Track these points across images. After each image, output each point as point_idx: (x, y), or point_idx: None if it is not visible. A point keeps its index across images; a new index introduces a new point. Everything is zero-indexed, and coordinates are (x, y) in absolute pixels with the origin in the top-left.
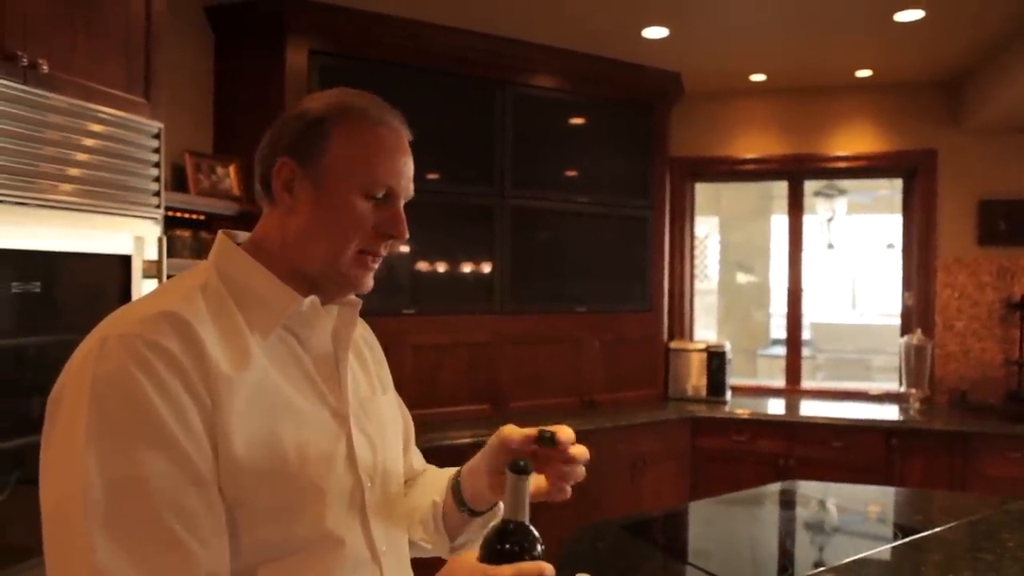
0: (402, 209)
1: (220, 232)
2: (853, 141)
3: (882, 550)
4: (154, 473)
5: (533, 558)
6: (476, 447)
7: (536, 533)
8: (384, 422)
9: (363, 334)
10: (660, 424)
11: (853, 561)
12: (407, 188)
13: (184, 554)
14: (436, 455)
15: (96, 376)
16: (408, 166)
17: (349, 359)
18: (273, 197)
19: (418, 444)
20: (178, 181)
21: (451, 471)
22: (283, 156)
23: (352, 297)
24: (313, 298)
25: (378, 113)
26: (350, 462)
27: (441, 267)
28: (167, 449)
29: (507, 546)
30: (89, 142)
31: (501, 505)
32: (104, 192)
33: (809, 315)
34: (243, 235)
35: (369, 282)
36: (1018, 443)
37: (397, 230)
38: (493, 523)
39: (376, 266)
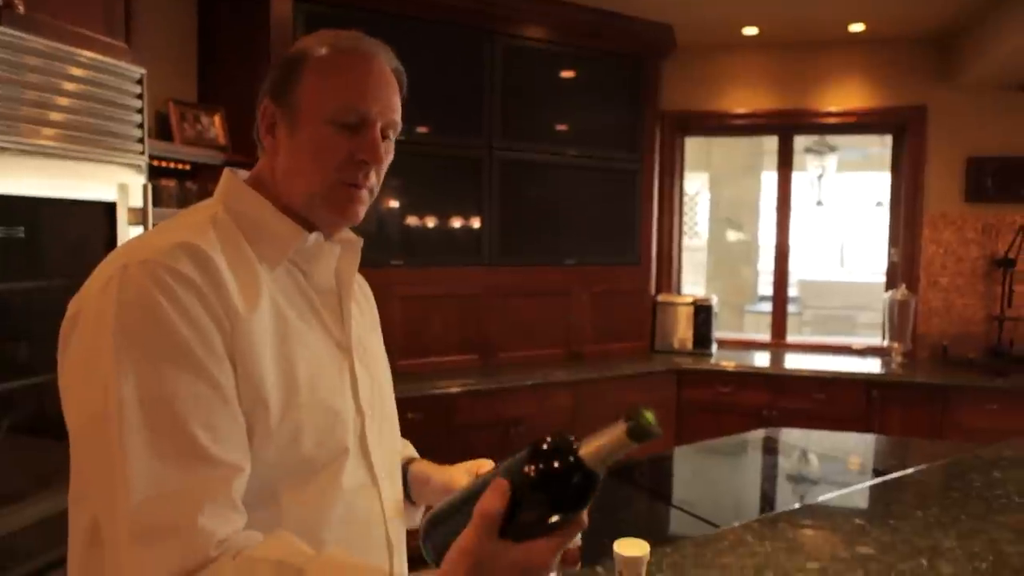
0: (379, 136)
1: (226, 169)
2: (844, 96)
3: (857, 489)
4: (182, 391)
5: (575, 522)
6: (465, 397)
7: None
8: (379, 359)
9: (360, 284)
10: (646, 376)
11: (829, 499)
12: (385, 115)
13: (214, 466)
14: (424, 404)
15: (121, 300)
16: (384, 92)
17: (352, 295)
18: (262, 141)
19: (407, 394)
20: (163, 130)
21: (404, 454)
22: (265, 99)
23: (353, 235)
24: (318, 234)
25: (350, 43)
26: (352, 392)
27: (430, 220)
28: (193, 369)
29: (567, 498)
30: (70, 86)
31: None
32: (87, 138)
33: (796, 272)
34: (244, 174)
35: (357, 212)
36: (995, 395)
37: (369, 155)
38: (554, 455)
39: (363, 196)
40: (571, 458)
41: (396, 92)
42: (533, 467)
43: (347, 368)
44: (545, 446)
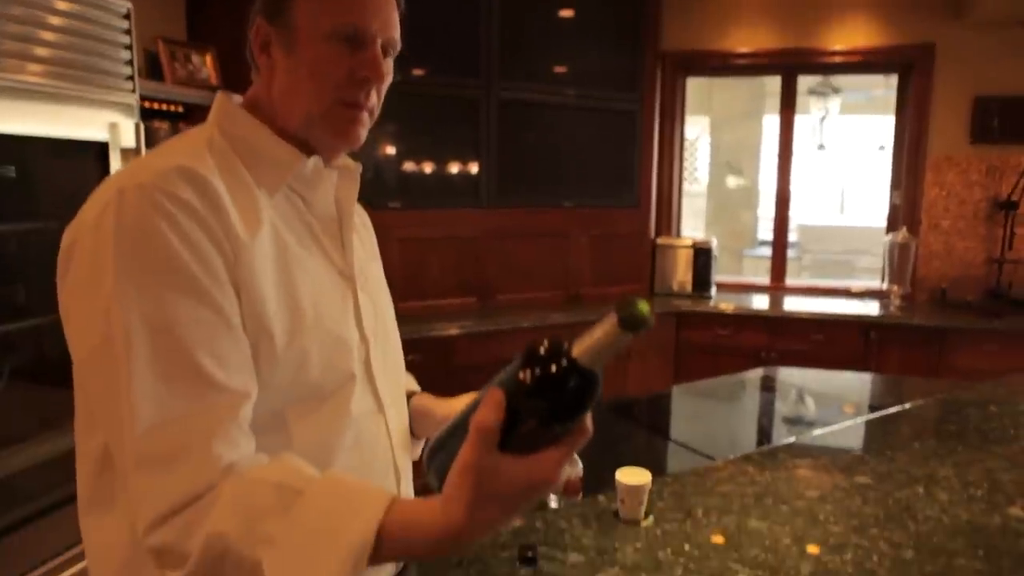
0: (380, 53)
1: (219, 93)
2: (849, 35)
3: (854, 424)
4: (185, 316)
5: (578, 429)
6: (464, 339)
7: (600, 385)
8: (381, 288)
9: (359, 214)
10: None
11: (826, 433)
12: (385, 31)
13: (220, 392)
14: (424, 346)
15: (119, 225)
16: (384, 7)
17: (352, 223)
18: (256, 63)
19: (406, 336)
20: (153, 70)
21: (407, 387)
22: (258, 19)
23: (351, 162)
24: (316, 158)
25: None
26: (356, 319)
27: (428, 162)
28: (196, 294)
29: (565, 402)
30: (55, 20)
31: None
32: (75, 75)
33: (796, 217)
34: (238, 98)
35: (359, 134)
36: (993, 336)
37: (371, 71)
38: (547, 357)
39: (364, 118)
40: (564, 360)
41: (395, 9)
42: (527, 373)
43: (350, 295)
44: (538, 351)
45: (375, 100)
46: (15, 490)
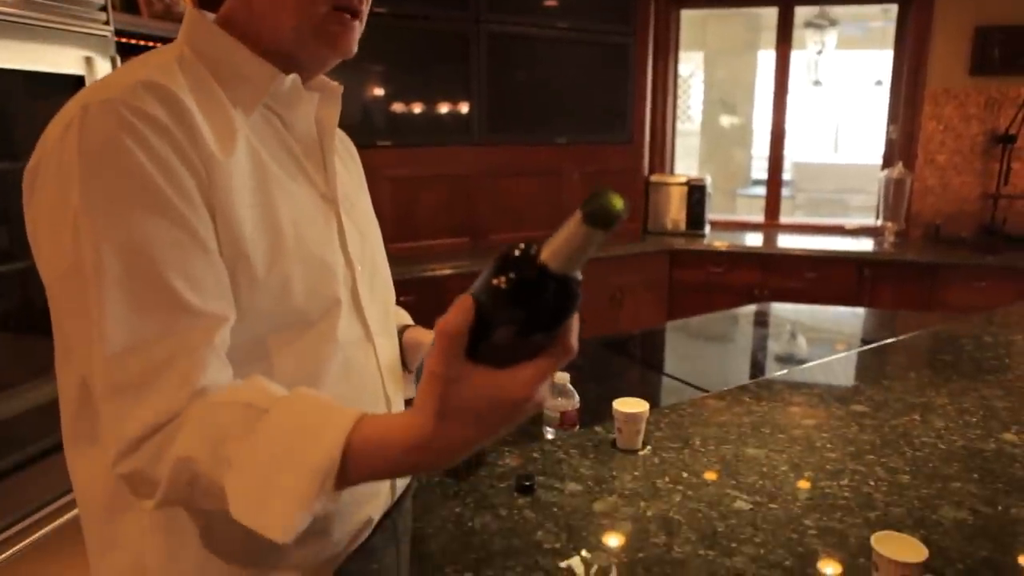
0: None
1: (189, 8)
2: None
3: (848, 355)
4: (157, 238)
5: (559, 344)
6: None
7: (578, 291)
8: (368, 215)
9: (342, 138)
10: (639, 256)
11: (820, 364)
12: None
13: (194, 316)
14: (416, 287)
15: (84, 143)
16: None
17: (335, 146)
18: None
19: (398, 277)
20: (128, 4)
21: (399, 321)
22: None
23: (332, 83)
24: (295, 76)
25: None
26: (341, 245)
27: (418, 100)
28: (167, 215)
29: (534, 309)
30: None
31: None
32: (46, 4)
33: (791, 155)
34: (211, 16)
35: (352, 43)
36: (985, 272)
37: None
38: (521, 267)
39: (356, 26)
40: (530, 264)
41: None
42: (495, 279)
43: (333, 219)
44: (507, 255)
45: (366, 7)
46: (5, 438)
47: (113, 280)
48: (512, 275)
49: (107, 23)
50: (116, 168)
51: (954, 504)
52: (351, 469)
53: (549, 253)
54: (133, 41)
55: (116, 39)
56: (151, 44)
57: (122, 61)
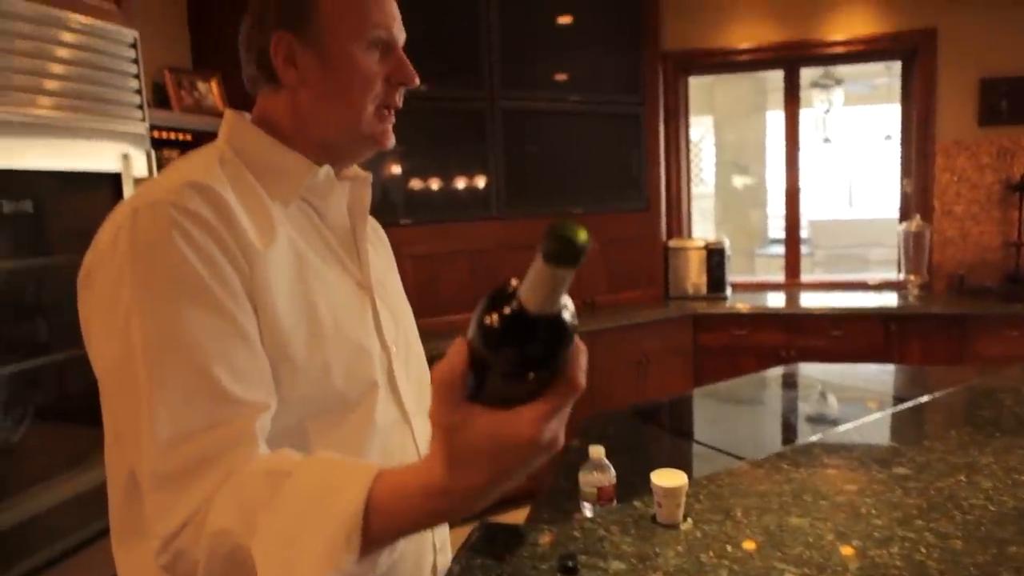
0: (404, 55)
1: (228, 110)
2: (851, 24)
3: (883, 415)
4: (202, 331)
5: (555, 374)
6: None
7: (569, 320)
8: (399, 297)
9: (372, 226)
10: (662, 322)
11: (856, 426)
12: (400, 33)
13: (236, 406)
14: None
15: (134, 243)
16: (395, 8)
17: (367, 233)
18: (277, 76)
19: (426, 353)
20: (160, 99)
21: None
22: (277, 31)
23: (361, 171)
24: (328, 168)
25: None
26: (376, 329)
27: (437, 177)
28: (212, 308)
29: (529, 349)
30: (63, 52)
31: None
32: (85, 106)
33: (806, 212)
34: (248, 115)
35: (392, 137)
36: (1015, 322)
37: (407, 76)
38: (501, 301)
39: (393, 118)
40: (507, 305)
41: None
42: (481, 322)
43: (368, 305)
44: (490, 297)
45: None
46: (43, 529)
47: (160, 372)
48: (495, 317)
49: (143, 119)
50: (165, 264)
51: (1013, 570)
52: (374, 522)
53: (523, 291)
54: (165, 135)
55: (150, 133)
56: (182, 137)
57: (155, 155)
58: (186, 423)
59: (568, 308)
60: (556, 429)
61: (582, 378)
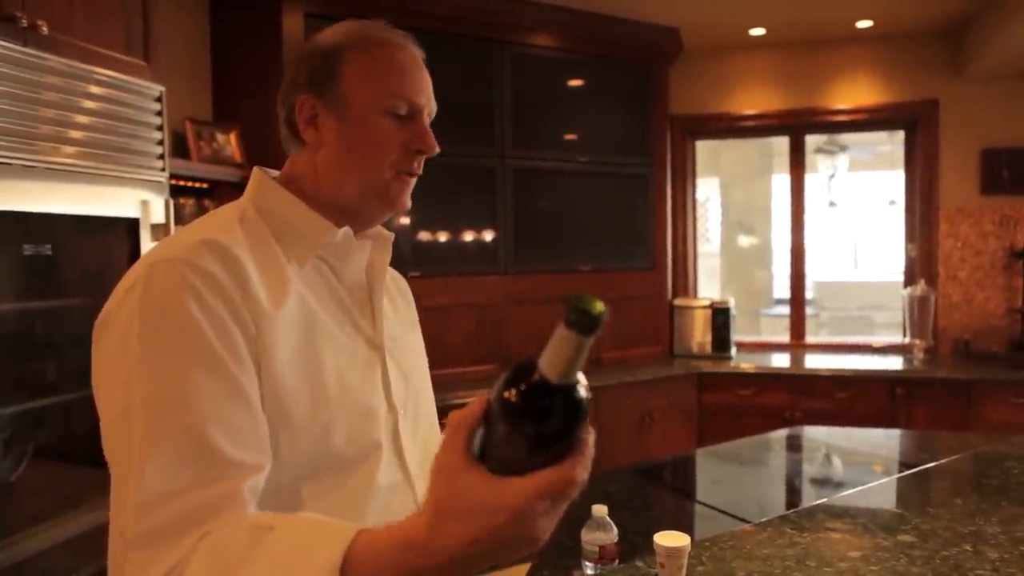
0: (427, 124)
1: (256, 168)
2: (854, 93)
3: (888, 480)
4: (202, 390)
5: (571, 445)
6: None
7: (585, 398)
8: (415, 359)
9: (394, 277)
10: (666, 380)
11: (861, 491)
12: (429, 104)
13: (228, 467)
14: (445, 415)
15: (146, 298)
16: (425, 81)
17: (383, 292)
18: (300, 136)
19: None
20: (179, 149)
21: None
22: (303, 93)
23: (384, 231)
24: (347, 229)
25: (385, 34)
26: (384, 390)
27: (446, 231)
28: (214, 368)
29: (548, 422)
30: (89, 104)
31: None
32: (108, 155)
33: (811, 274)
34: (274, 173)
35: (408, 199)
36: (1020, 388)
37: (426, 144)
38: (521, 377)
39: (412, 183)
40: (532, 375)
41: (429, 77)
42: (503, 392)
43: (378, 365)
44: (515, 369)
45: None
46: (40, 571)
47: (155, 429)
48: (518, 389)
49: (163, 169)
50: (173, 323)
51: None
52: (353, 575)
53: (544, 362)
54: (183, 183)
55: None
56: (199, 185)
57: (173, 201)
58: (174, 481)
59: (583, 384)
60: (543, 512)
61: (581, 474)
